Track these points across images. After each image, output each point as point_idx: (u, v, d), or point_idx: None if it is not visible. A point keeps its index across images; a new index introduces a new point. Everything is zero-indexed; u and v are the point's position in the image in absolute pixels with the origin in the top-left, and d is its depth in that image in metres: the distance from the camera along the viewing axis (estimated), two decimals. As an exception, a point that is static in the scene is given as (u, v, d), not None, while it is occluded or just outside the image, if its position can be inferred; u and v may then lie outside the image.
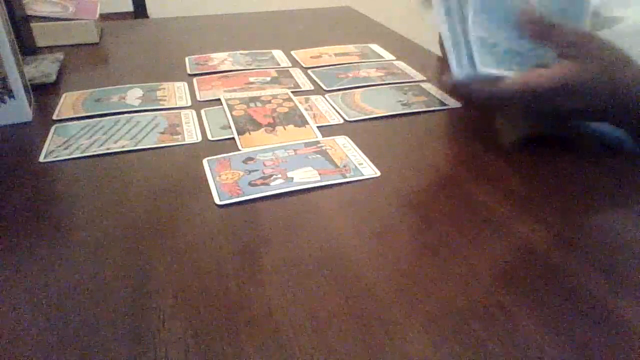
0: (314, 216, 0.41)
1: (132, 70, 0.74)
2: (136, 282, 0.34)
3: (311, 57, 0.79)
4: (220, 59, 0.77)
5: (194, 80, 0.69)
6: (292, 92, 0.65)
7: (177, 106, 0.61)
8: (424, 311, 0.32)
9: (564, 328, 0.31)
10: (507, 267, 0.36)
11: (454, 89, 0.52)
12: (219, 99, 0.62)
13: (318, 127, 0.56)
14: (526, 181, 0.46)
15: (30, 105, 0.59)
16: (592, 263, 0.36)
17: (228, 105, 0.61)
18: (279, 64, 0.76)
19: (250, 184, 0.45)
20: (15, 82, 0.56)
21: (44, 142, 0.53)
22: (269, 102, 0.62)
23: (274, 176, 0.46)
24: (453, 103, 0.61)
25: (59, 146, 0.52)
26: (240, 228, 0.40)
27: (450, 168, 0.49)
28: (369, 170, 0.47)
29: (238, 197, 0.43)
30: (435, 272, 0.35)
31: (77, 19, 0.86)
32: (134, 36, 0.93)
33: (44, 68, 0.71)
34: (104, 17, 0.95)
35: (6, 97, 0.56)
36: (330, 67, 0.74)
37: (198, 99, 0.64)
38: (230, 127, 0.55)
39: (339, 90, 0.66)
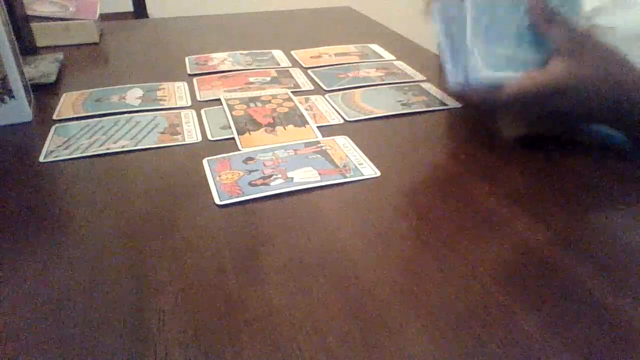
0: (314, 216, 0.41)
1: (132, 70, 0.74)
2: (136, 282, 0.34)
3: (311, 57, 0.79)
4: (220, 59, 0.77)
5: (194, 80, 0.69)
6: (292, 92, 0.65)
7: (177, 106, 0.61)
8: (424, 311, 0.32)
9: (564, 328, 0.31)
10: (507, 267, 0.36)
11: (452, 94, 0.52)
12: (219, 99, 0.62)
13: (318, 127, 0.56)
14: (526, 181, 0.46)
15: (30, 105, 0.59)
16: (592, 263, 0.36)
17: (228, 105, 0.61)
18: (279, 64, 0.76)
19: (250, 184, 0.45)
20: (15, 82, 0.56)
21: (44, 142, 0.53)
22: (269, 102, 0.62)
23: (274, 176, 0.46)
24: (453, 103, 0.61)
25: (59, 146, 0.52)
26: (240, 228, 0.40)
27: (450, 168, 0.49)
28: (369, 170, 0.47)
29: (238, 197, 0.43)
30: (435, 272, 0.35)
31: (77, 19, 0.86)
32: (134, 36, 0.93)
33: (44, 68, 0.71)
34: (104, 17, 0.95)
35: (6, 97, 0.56)
36: (330, 67, 0.74)
37: (198, 99, 0.64)
38: (230, 127, 0.55)
39: (339, 90, 0.66)
